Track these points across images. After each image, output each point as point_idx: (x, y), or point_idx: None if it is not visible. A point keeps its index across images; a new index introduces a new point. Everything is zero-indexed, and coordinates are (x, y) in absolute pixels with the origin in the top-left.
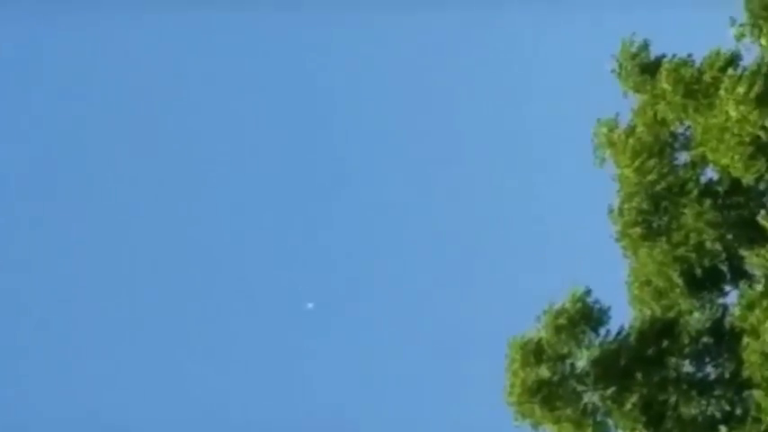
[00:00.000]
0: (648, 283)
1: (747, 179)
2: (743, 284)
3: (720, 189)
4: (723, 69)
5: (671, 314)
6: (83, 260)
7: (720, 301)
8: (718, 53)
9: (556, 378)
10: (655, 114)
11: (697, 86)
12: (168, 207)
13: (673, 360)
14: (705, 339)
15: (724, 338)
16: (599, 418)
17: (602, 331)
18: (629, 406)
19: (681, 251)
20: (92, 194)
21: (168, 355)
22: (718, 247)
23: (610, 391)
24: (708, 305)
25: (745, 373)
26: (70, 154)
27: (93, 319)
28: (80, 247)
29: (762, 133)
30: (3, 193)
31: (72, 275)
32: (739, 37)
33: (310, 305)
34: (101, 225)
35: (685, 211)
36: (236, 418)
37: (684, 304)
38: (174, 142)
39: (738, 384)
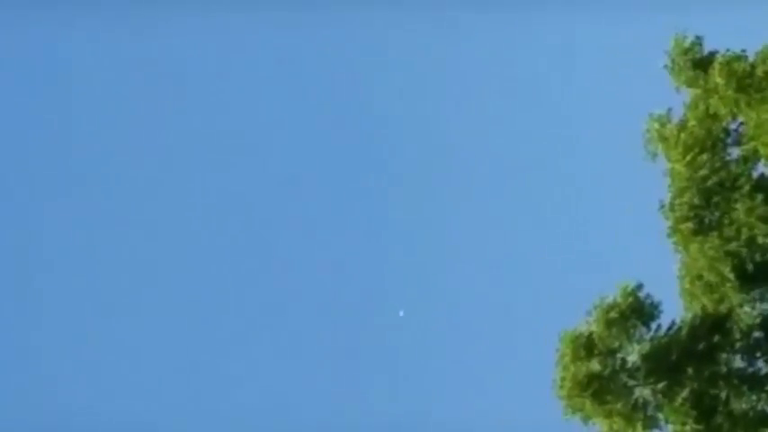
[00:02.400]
0: (700, 277)
1: None
2: None
3: None
4: None
5: (722, 309)
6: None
7: None
8: None
9: (607, 372)
10: (707, 109)
11: (749, 81)
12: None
13: (724, 355)
14: (756, 334)
15: None
16: (649, 413)
17: (654, 326)
18: (679, 401)
19: (732, 246)
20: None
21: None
22: None
23: (660, 386)
24: (759, 300)
25: None
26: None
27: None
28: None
29: None
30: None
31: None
32: None
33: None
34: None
35: (737, 206)
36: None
37: (736, 299)
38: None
39: None
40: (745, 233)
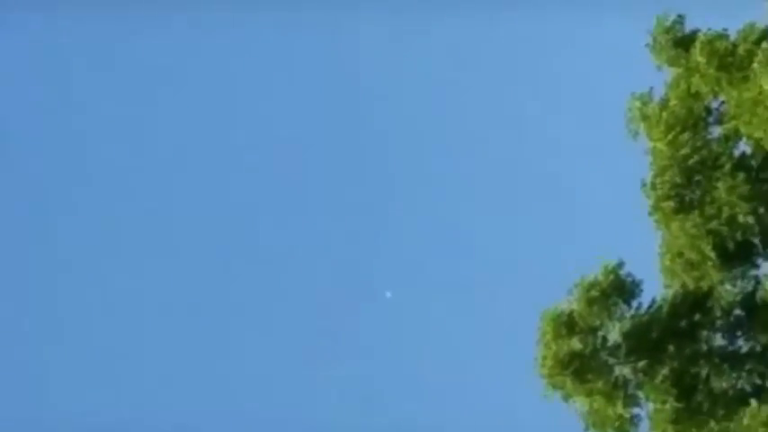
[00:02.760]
0: (680, 255)
1: None
2: None
3: (754, 163)
4: (757, 42)
5: (703, 287)
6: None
7: (752, 273)
8: (752, 26)
9: (587, 350)
10: (688, 88)
11: (731, 59)
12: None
13: (704, 333)
14: (737, 312)
15: (756, 312)
16: (630, 391)
17: (634, 304)
18: (660, 379)
19: (713, 224)
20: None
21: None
22: (750, 220)
23: (641, 364)
24: (739, 278)
25: None
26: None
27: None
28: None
29: None
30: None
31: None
32: None
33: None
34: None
35: (718, 184)
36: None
37: (716, 277)
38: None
39: None
40: (726, 212)
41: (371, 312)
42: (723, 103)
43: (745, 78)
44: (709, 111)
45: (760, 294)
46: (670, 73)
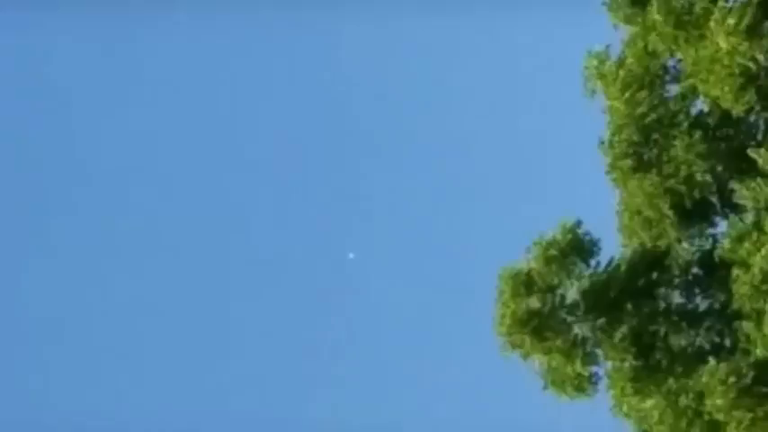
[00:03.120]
0: (638, 213)
1: (737, 111)
2: (732, 217)
3: (710, 121)
4: (714, 0)
5: (661, 245)
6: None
7: (710, 232)
8: None
9: (546, 309)
10: (645, 46)
11: (688, 18)
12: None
13: (663, 291)
14: (695, 271)
15: (714, 270)
16: (588, 349)
17: (593, 263)
18: (618, 337)
19: (671, 183)
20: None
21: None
22: (708, 178)
23: (599, 323)
24: (698, 237)
25: (735, 305)
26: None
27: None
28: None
29: (752, 64)
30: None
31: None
32: None
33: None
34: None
35: (675, 143)
36: None
37: (674, 235)
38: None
39: (728, 316)
40: (683, 170)
41: (333, 274)
42: (680, 61)
43: (702, 36)
44: (666, 69)
45: (718, 252)
46: (627, 31)
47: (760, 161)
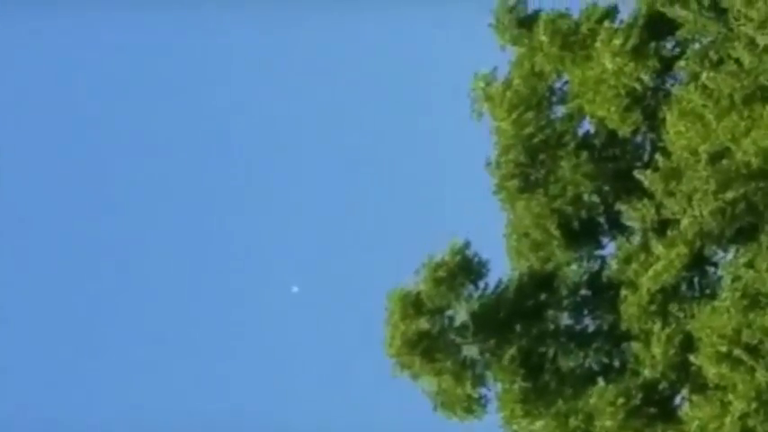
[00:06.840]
0: (526, 235)
1: (624, 131)
2: (620, 238)
3: (597, 142)
4: (600, 21)
5: (549, 267)
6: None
7: (598, 253)
8: (594, 5)
9: (435, 330)
10: (532, 67)
11: (574, 38)
12: None
13: (551, 312)
14: (583, 292)
15: (602, 291)
16: (478, 371)
17: (482, 284)
18: (507, 359)
19: (558, 203)
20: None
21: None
22: (595, 199)
23: (488, 344)
24: (585, 258)
25: (623, 326)
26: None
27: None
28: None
29: (637, 85)
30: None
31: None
32: None
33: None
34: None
35: (562, 163)
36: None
37: (562, 257)
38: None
39: (616, 337)
40: (570, 191)
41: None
42: (567, 82)
43: (588, 57)
44: (552, 90)
45: (606, 273)
46: (514, 52)
47: (646, 182)
